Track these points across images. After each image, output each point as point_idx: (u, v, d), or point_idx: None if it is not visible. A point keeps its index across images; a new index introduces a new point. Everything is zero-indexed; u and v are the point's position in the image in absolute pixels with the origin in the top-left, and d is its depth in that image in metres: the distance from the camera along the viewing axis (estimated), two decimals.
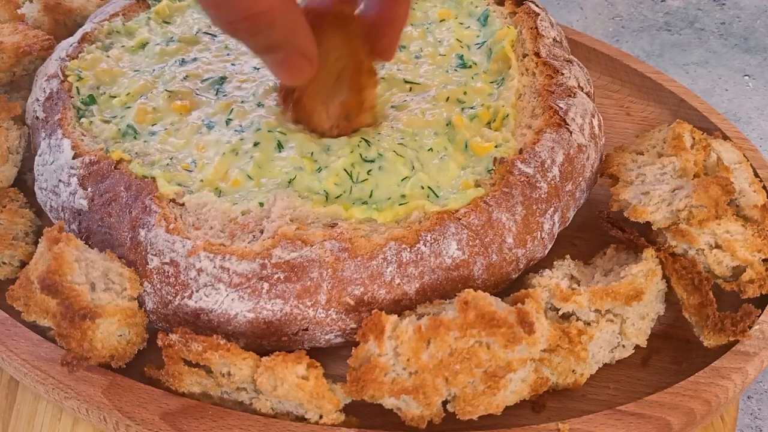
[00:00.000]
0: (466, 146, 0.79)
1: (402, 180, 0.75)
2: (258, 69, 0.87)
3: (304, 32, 0.68)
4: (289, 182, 0.74)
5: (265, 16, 0.64)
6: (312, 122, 0.79)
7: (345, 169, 0.75)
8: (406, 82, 0.86)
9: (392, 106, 0.83)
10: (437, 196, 0.75)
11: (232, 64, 0.88)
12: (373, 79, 0.78)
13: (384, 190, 0.75)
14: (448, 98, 0.84)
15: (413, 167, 0.77)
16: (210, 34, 0.92)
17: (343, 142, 0.78)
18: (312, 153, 0.77)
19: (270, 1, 0.64)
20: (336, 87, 0.77)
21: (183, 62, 0.88)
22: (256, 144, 0.77)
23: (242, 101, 0.83)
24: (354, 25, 0.75)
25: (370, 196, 0.74)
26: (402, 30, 0.77)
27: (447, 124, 0.81)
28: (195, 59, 0.89)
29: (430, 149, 0.78)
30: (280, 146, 0.77)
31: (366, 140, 0.78)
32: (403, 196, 0.74)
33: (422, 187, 0.75)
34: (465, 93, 0.85)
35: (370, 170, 0.76)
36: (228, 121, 0.81)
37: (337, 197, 0.74)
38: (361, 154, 0.77)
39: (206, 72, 0.87)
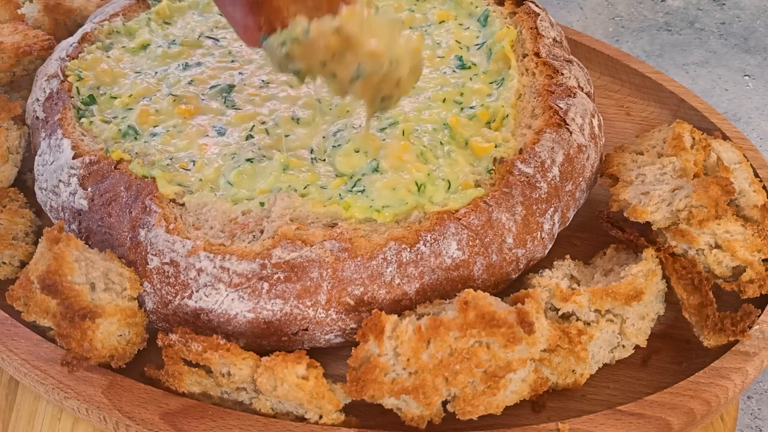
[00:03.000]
0: (466, 144, 0.79)
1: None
2: (267, 84, 0.87)
3: None
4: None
5: None
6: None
7: (416, 182, 0.75)
8: None
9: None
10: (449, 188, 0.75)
11: (240, 73, 0.87)
12: None
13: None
14: (444, 99, 0.84)
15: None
16: (212, 38, 0.92)
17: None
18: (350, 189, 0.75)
19: None
20: None
21: (186, 66, 0.88)
22: (249, 159, 0.77)
23: (263, 122, 0.82)
24: None
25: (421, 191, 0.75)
26: None
27: (444, 124, 0.81)
28: (199, 64, 0.89)
29: (441, 143, 0.78)
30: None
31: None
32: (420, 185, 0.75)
33: (443, 179, 0.75)
34: (462, 94, 0.85)
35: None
36: (249, 137, 0.80)
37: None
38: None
39: (212, 78, 0.87)
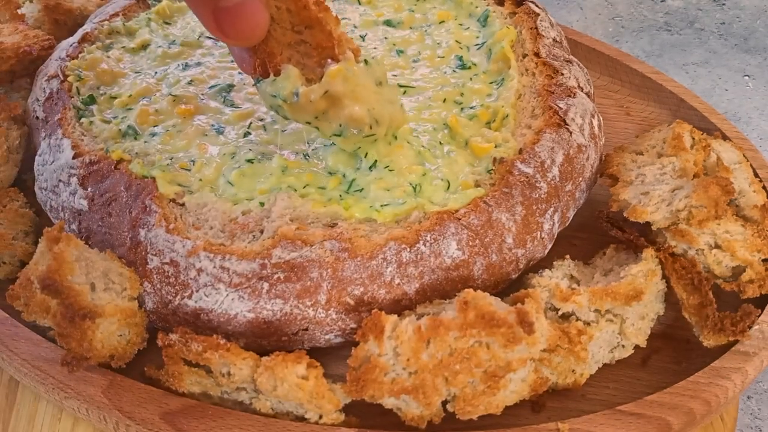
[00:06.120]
0: (466, 144, 0.79)
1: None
2: None
3: None
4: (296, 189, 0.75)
5: None
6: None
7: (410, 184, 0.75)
8: (401, 86, 0.86)
9: None
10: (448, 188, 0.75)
11: (239, 72, 0.88)
12: (328, 12, 0.71)
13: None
14: (444, 99, 0.84)
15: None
16: (212, 38, 0.92)
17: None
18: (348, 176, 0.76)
19: None
20: (297, 36, 0.71)
21: (186, 66, 0.88)
22: (249, 160, 0.77)
23: (261, 119, 0.82)
24: None
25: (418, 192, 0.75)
26: None
27: (444, 124, 0.81)
28: (198, 64, 0.89)
29: (440, 143, 0.79)
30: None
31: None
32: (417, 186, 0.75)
33: (441, 179, 0.75)
34: (462, 94, 0.85)
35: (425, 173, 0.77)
36: (246, 134, 0.81)
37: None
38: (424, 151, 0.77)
39: (211, 78, 0.87)
